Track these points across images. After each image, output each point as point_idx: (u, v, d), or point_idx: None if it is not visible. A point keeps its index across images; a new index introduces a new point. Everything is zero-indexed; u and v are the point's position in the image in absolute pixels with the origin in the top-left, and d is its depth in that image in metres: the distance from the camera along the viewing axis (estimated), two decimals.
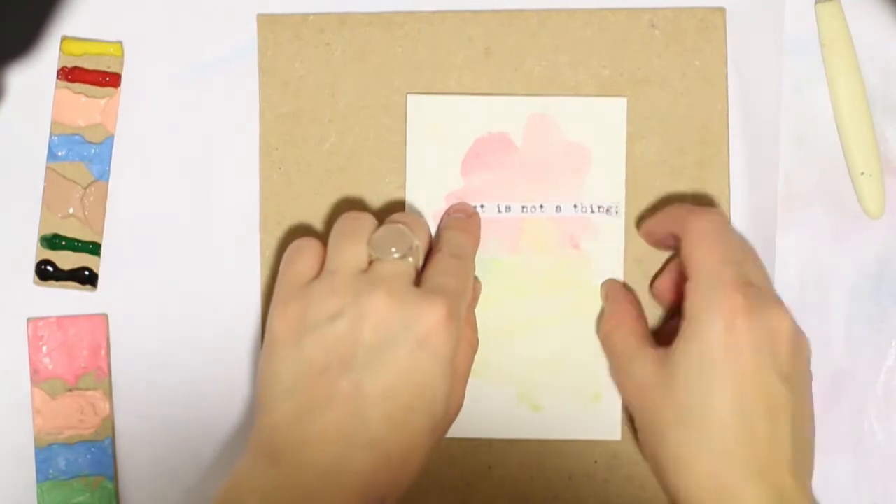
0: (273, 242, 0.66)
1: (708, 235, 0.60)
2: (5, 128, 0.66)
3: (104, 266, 0.66)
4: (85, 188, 0.65)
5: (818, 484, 0.60)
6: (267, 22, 0.66)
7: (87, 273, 0.65)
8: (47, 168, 0.65)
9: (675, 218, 0.63)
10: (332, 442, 0.57)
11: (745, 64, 0.66)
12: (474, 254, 0.64)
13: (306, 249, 0.61)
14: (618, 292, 0.65)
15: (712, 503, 0.57)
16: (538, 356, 0.65)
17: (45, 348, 0.65)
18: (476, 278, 0.64)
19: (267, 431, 0.58)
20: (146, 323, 0.66)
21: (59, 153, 0.65)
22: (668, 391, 0.59)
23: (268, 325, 0.60)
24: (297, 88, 0.66)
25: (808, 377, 0.60)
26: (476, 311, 0.64)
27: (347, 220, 0.62)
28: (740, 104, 0.66)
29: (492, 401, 0.65)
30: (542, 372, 0.65)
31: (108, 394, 0.65)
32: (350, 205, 0.65)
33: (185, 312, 0.66)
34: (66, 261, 0.65)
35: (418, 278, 0.60)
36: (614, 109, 0.66)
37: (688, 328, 0.59)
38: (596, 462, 0.65)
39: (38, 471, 0.65)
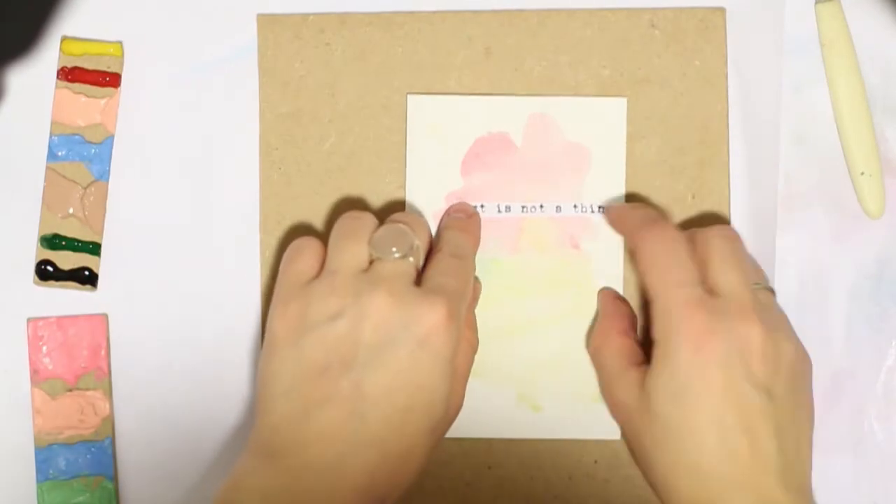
0: (273, 242, 0.66)
1: (659, 258, 0.60)
2: (5, 128, 0.66)
3: (104, 266, 0.65)
4: (85, 188, 0.65)
5: (818, 484, 0.60)
6: (267, 22, 0.66)
7: (87, 273, 0.65)
8: (47, 168, 0.65)
9: (626, 229, 0.63)
10: (332, 442, 0.57)
11: (745, 64, 0.66)
12: (474, 254, 0.64)
13: (306, 249, 0.61)
14: (608, 306, 0.64)
15: None
16: (538, 356, 0.65)
17: (45, 348, 0.65)
18: (476, 278, 0.64)
19: (267, 431, 0.58)
20: (146, 323, 0.66)
21: (59, 153, 0.65)
22: (647, 415, 0.59)
23: (268, 324, 0.60)
24: (297, 88, 0.66)
25: (795, 379, 0.59)
26: (476, 311, 0.64)
27: (348, 220, 0.62)
28: (740, 104, 0.66)
29: (492, 401, 0.65)
30: (542, 372, 0.65)
31: (108, 394, 0.65)
32: (350, 205, 0.65)
33: (185, 312, 0.66)
34: (66, 261, 0.65)
35: (419, 278, 0.60)
36: (614, 109, 0.66)
37: (657, 352, 0.59)
38: (596, 462, 0.65)
39: (38, 471, 0.65)
